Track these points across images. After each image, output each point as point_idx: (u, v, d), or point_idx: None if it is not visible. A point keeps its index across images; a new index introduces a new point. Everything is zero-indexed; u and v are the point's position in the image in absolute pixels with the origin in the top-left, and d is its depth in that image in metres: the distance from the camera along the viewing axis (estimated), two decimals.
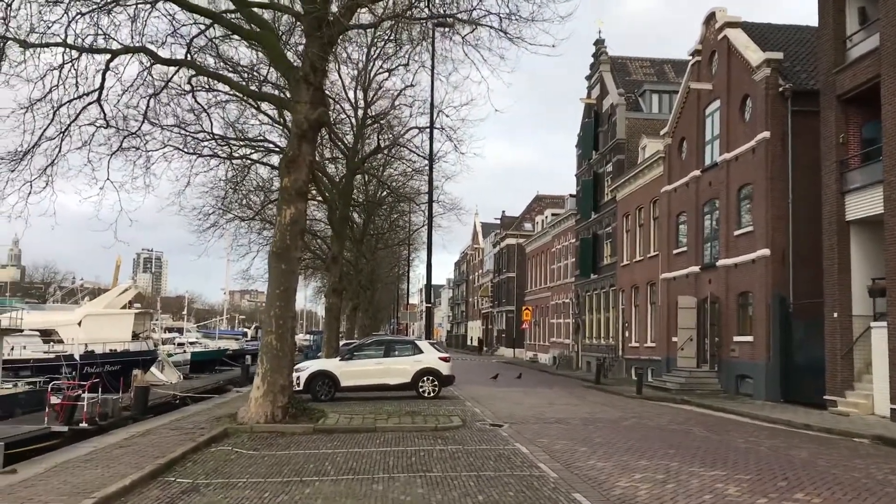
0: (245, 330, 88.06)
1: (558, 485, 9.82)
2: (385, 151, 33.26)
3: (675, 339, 31.01)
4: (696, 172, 30.73)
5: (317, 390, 22.04)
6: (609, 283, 43.41)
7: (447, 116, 29.53)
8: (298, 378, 21.69)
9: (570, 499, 8.93)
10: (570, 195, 56.02)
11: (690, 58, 32.01)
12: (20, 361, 30.85)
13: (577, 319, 49.44)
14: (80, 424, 20.36)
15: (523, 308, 65.26)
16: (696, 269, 30.59)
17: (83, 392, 21.74)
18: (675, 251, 32.98)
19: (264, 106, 26.39)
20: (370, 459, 11.75)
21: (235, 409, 17.00)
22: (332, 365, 23.23)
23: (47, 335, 35.46)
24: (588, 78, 49.32)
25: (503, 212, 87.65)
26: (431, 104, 27.79)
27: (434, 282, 31.72)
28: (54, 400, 21.20)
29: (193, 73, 18.34)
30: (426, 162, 31.23)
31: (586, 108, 49.35)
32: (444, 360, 23.80)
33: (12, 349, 31.66)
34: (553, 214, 61.34)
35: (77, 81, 15.90)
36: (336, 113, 29.92)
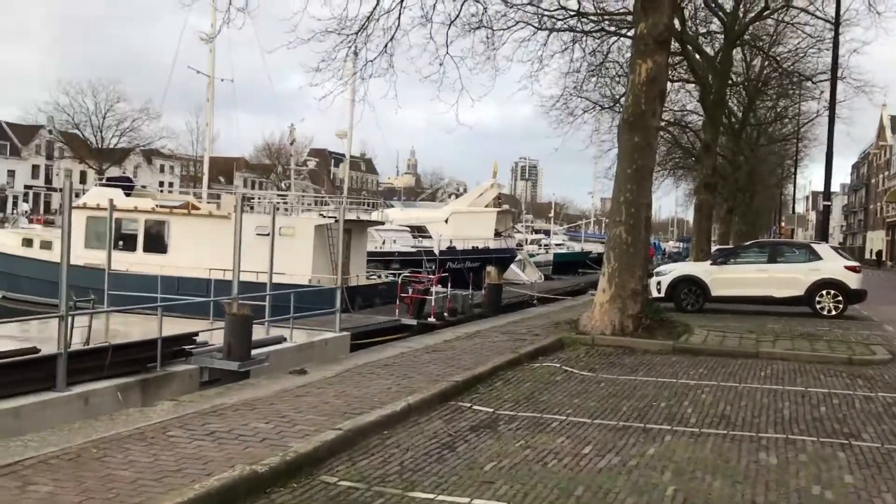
0: None
1: None
2: (774, 15, 27.05)
3: None
4: None
5: (681, 298, 18.41)
6: None
7: None
8: (659, 283, 18.51)
9: None
10: None
11: None
12: (388, 254, 32.02)
13: None
14: (429, 319, 19.61)
15: None
16: None
17: (431, 286, 21.01)
18: None
19: None
20: (752, 402, 8.03)
21: (581, 314, 14.19)
22: (700, 269, 19.34)
23: (420, 231, 36.80)
24: None
25: None
26: None
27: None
28: (404, 293, 20.71)
29: None
30: (826, 31, 24.68)
31: None
32: (853, 269, 18.32)
33: (383, 242, 33.11)
34: None
35: None
36: None
